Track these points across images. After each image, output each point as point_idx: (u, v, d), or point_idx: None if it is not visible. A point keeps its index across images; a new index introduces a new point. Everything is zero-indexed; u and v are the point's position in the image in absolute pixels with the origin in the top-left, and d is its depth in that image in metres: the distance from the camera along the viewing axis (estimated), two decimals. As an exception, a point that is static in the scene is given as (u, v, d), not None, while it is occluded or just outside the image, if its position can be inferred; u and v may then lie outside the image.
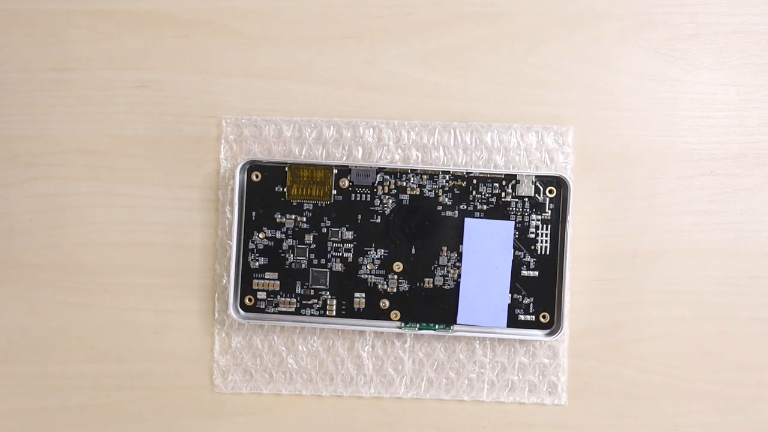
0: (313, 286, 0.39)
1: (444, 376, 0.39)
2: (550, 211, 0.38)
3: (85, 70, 0.40)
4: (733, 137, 0.40)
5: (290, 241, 0.39)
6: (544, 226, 0.38)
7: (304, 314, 0.39)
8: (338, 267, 0.39)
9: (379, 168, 0.38)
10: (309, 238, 0.39)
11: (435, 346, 0.39)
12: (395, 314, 0.38)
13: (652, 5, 0.40)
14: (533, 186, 0.38)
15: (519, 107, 0.40)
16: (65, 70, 0.40)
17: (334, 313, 0.39)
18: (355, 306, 0.39)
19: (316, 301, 0.39)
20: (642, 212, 0.40)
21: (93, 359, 0.40)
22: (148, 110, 0.40)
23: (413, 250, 0.38)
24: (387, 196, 0.38)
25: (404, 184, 0.38)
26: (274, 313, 0.39)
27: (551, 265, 0.38)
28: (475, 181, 0.38)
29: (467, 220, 0.38)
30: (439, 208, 0.38)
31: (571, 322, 0.39)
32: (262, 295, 0.39)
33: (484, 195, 0.38)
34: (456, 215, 0.38)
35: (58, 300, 0.40)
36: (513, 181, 0.38)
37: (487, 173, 0.38)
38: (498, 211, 0.38)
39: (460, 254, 0.38)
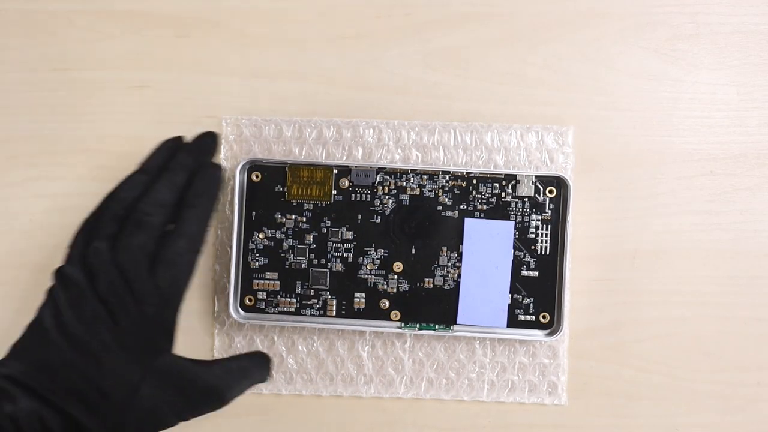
0: (313, 287, 0.39)
1: (444, 376, 0.39)
2: (550, 211, 0.38)
3: (85, 70, 0.40)
4: (733, 137, 0.40)
5: (290, 241, 0.39)
6: (544, 226, 0.38)
7: (304, 314, 0.39)
8: (338, 267, 0.39)
9: (379, 168, 0.38)
10: (309, 238, 0.39)
11: (435, 346, 0.39)
12: (395, 314, 0.38)
13: (652, 5, 0.40)
14: (533, 186, 0.38)
15: (519, 107, 0.40)
16: (65, 70, 0.40)
17: (334, 314, 0.39)
18: (355, 306, 0.39)
19: (316, 301, 0.39)
20: (642, 212, 0.39)
21: (93, 359, 0.40)
22: (148, 110, 0.40)
23: (413, 250, 0.38)
24: (387, 196, 0.38)
25: (404, 184, 0.38)
26: (274, 313, 0.39)
27: (551, 265, 0.38)
28: (475, 181, 0.38)
29: (467, 220, 0.38)
30: (439, 208, 0.38)
31: (571, 322, 0.39)
32: (262, 295, 0.39)
33: (484, 195, 0.38)
34: (456, 215, 0.38)
35: (58, 300, 0.40)
36: (513, 181, 0.38)
37: (487, 173, 0.38)
38: (498, 211, 0.38)
39: (460, 254, 0.38)
